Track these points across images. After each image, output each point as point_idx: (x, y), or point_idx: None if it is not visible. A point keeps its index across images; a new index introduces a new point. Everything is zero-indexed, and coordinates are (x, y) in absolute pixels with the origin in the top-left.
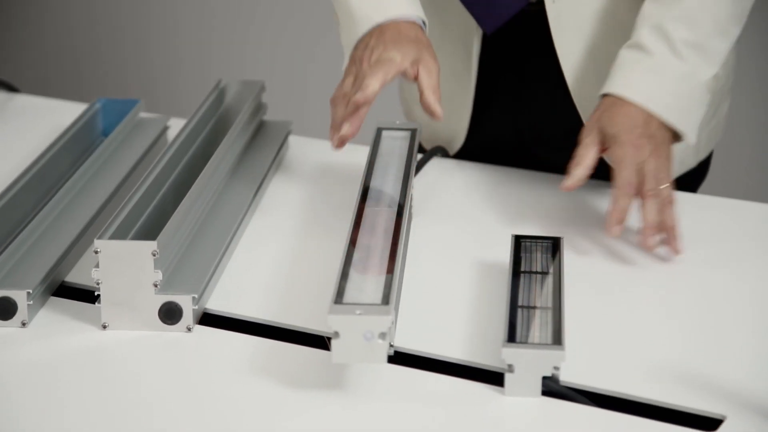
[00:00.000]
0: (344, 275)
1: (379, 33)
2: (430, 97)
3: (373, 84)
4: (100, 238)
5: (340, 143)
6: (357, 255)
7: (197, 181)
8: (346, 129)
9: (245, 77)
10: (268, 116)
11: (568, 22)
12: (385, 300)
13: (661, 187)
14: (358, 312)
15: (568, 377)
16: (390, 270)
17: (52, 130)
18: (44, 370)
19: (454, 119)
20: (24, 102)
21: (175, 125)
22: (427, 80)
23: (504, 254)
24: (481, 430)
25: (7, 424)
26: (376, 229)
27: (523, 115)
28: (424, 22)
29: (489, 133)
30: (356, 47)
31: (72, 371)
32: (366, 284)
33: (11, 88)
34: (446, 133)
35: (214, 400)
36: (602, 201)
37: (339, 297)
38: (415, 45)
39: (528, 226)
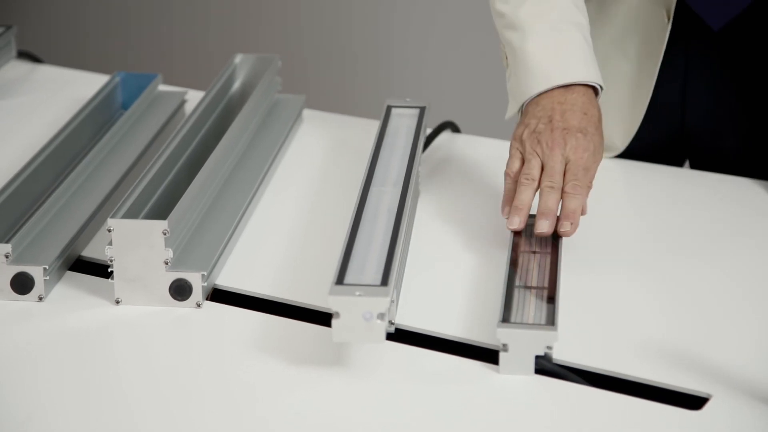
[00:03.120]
0: (346, 256)
1: (559, 108)
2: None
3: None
4: (113, 216)
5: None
6: (360, 235)
7: (209, 159)
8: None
9: (261, 50)
10: (284, 90)
11: None
12: (384, 281)
13: None
14: (357, 293)
15: (562, 355)
16: (391, 251)
17: (74, 101)
18: (59, 344)
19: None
20: (47, 73)
21: (192, 98)
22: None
23: (507, 231)
24: (475, 407)
25: (25, 395)
26: (380, 209)
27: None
28: (601, 87)
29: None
30: (531, 114)
31: (86, 345)
32: (367, 265)
33: (35, 59)
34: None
35: (220, 375)
36: (607, 179)
37: (340, 278)
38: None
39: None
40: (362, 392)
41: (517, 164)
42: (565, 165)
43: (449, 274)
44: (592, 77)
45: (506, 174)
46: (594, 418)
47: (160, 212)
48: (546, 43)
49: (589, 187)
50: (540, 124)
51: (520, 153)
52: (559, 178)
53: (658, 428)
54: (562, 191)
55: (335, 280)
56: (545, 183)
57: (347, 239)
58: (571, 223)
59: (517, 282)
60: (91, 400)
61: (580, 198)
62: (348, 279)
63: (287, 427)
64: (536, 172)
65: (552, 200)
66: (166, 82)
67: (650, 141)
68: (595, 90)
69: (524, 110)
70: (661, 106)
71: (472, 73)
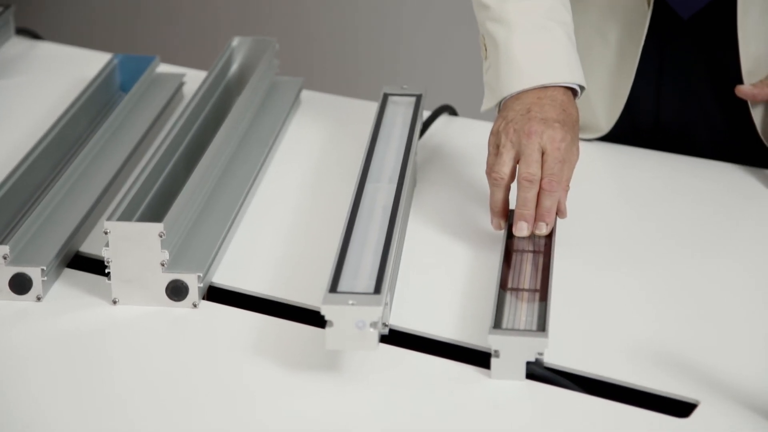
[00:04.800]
0: (339, 262)
1: (538, 102)
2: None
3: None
4: (109, 218)
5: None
6: (354, 238)
7: (204, 155)
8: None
9: (258, 28)
10: (284, 71)
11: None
12: (378, 289)
13: None
14: (350, 302)
15: (553, 359)
16: (384, 256)
17: (73, 79)
18: (57, 345)
19: (611, 99)
20: (46, 50)
21: (191, 78)
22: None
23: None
24: (466, 412)
25: (22, 395)
26: (375, 208)
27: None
28: (582, 87)
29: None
30: (510, 107)
31: (83, 346)
32: (361, 270)
33: (34, 36)
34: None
35: (215, 377)
36: (594, 163)
37: (333, 285)
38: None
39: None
40: (355, 395)
41: (494, 160)
42: (542, 156)
43: (444, 271)
44: (576, 79)
45: (486, 174)
46: (583, 424)
47: (158, 209)
48: (532, 41)
49: (567, 189)
50: (518, 115)
51: (497, 146)
52: (536, 168)
53: None
54: (539, 185)
55: (328, 288)
56: (523, 174)
57: (341, 244)
58: (547, 224)
59: (509, 284)
60: (88, 401)
61: (555, 195)
62: (341, 286)
63: (282, 429)
64: (506, 169)
65: (530, 197)
66: (164, 59)
67: (632, 127)
68: (574, 92)
69: (503, 105)
70: (637, 95)
71: (472, 55)
